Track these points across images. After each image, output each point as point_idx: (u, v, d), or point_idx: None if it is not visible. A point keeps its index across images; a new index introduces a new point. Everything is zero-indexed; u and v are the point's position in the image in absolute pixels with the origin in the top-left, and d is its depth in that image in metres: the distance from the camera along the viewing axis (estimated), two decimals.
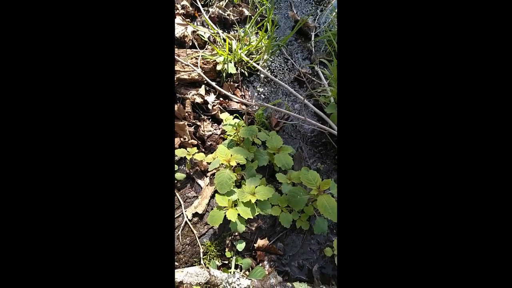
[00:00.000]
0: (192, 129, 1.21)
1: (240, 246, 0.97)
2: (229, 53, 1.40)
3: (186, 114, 1.24)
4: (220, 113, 1.28)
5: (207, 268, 0.83)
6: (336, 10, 1.68)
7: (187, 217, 1.02)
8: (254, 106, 1.32)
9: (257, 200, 0.95)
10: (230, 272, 0.91)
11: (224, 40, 1.45)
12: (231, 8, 1.70)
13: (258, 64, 1.52)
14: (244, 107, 1.35)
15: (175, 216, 1.02)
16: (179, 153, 1.07)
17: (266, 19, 1.45)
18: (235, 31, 1.65)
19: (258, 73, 1.51)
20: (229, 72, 1.38)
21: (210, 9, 1.65)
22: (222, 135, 1.24)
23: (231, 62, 1.40)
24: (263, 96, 1.45)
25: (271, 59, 1.59)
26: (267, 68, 1.56)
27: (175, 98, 1.28)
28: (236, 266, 0.94)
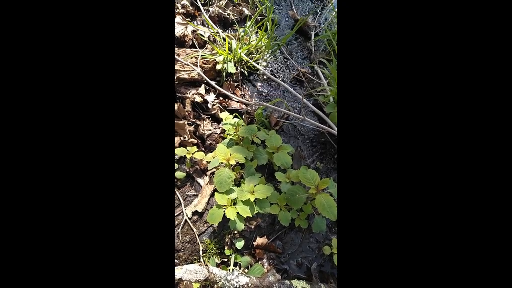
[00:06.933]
0: (192, 128, 1.22)
1: (239, 244, 0.98)
2: (229, 52, 1.41)
3: (186, 113, 1.25)
4: (220, 112, 1.29)
5: (206, 265, 0.84)
6: (336, 10, 1.68)
7: (187, 215, 1.03)
8: (253, 106, 1.33)
9: (256, 198, 0.96)
10: (229, 270, 0.91)
11: (224, 40, 1.46)
12: (231, 8, 1.70)
13: (257, 63, 1.52)
14: (243, 106, 1.35)
15: (175, 214, 1.03)
16: (179, 152, 1.07)
17: (266, 18, 1.45)
18: (235, 31, 1.66)
19: (258, 72, 1.52)
20: (228, 71, 1.38)
21: (210, 9, 1.65)
22: (221, 134, 1.25)
23: (230, 62, 1.40)
24: (263, 96, 1.45)
25: (270, 59, 1.60)
26: (267, 68, 1.56)
27: (175, 97, 1.29)
28: (235, 264, 0.95)
